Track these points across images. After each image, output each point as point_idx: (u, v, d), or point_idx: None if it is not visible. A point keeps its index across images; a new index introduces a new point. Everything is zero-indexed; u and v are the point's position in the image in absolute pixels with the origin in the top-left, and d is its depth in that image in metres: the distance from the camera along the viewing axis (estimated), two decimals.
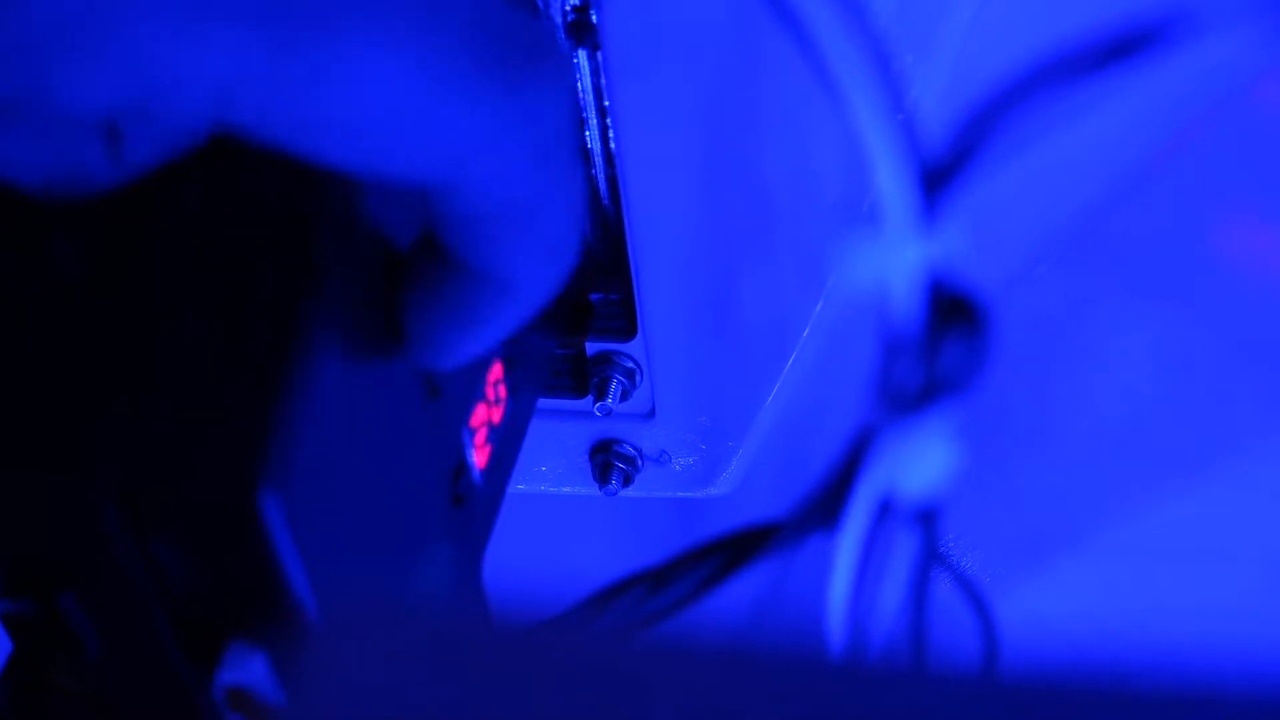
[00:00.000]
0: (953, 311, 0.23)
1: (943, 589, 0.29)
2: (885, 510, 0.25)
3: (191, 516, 0.24)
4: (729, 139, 0.40)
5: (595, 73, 0.37)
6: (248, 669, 0.25)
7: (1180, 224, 0.62)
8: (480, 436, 0.33)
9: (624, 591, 0.30)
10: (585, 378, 0.45)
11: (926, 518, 0.25)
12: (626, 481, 0.47)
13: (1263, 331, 0.61)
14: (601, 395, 0.44)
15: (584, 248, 0.41)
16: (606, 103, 0.37)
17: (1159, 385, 0.62)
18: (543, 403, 0.44)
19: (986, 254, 0.24)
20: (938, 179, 0.23)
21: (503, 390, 0.34)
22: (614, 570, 0.31)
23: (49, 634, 0.26)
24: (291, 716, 0.24)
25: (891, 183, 0.23)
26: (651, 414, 0.46)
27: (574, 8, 0.36)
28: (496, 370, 0.33)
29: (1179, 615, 0.59)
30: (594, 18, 0.36)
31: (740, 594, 0.30)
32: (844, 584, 0.25)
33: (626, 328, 0.43)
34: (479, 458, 0.33)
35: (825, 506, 0.26)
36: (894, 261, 0.23)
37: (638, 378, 0.45)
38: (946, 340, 0.23)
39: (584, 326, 0.43)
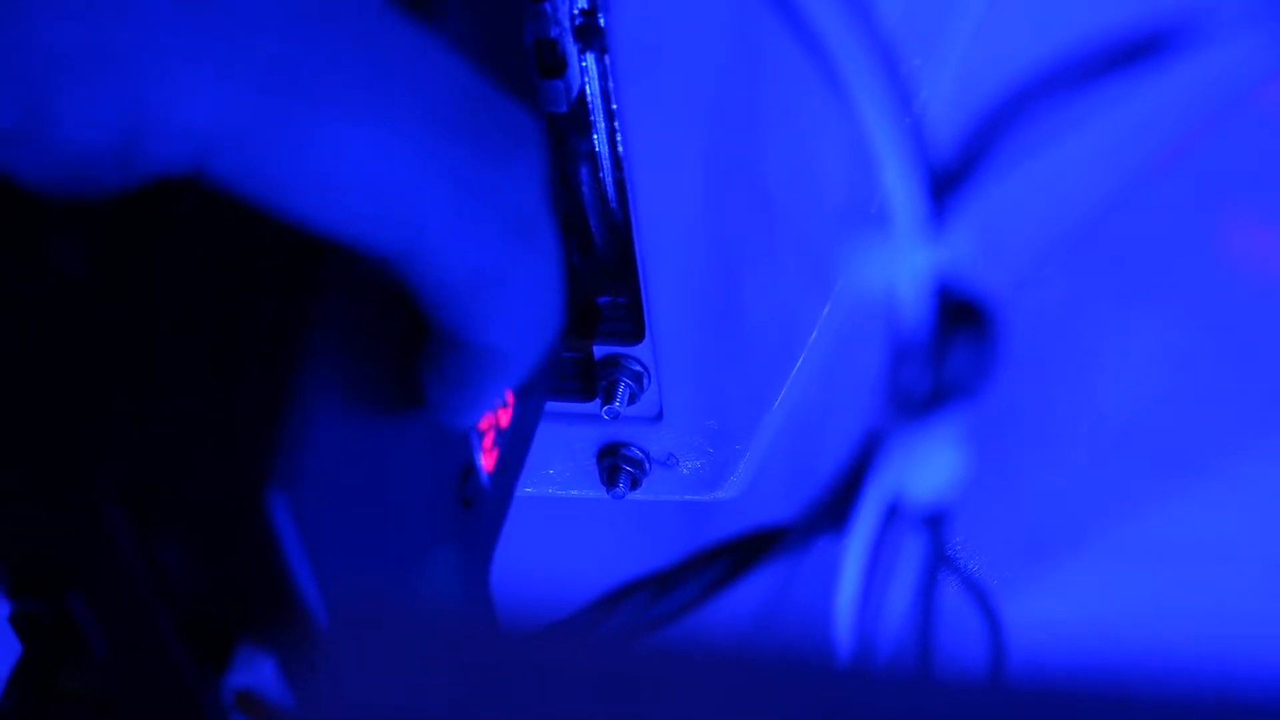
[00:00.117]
0: (961, 316, 0.23)
1: (950, 592, 0.29)
2: (893, 514, 0.25)
3: (199, 517, 0.24)
4: (737, 142, 0.40)
5: (603, 76, 0.37)
6: (256, 671, 0.25)
7: (1184, 227, 0.62)
8: (488, 439, 0.33)
9: (631, 595, 0.30)
10: (593, 381, 0.45)
11: (934, 521, 0.25)
12: (634, 485, 0.47)
13: (1267, 334, 0.61)
14: (609, 398, 0.44)
15: (590, 257, 0.41)
16: (614, 106, 0.37)
17: (1164, 387, 0.62)
18: (550, 406, 0.44)
19: (993, 258, 0.24)
20: (946, 183, 0.23)
21: (510, 394, 0.34)
22: (621, 573, 0.31)
23: (57, 635, 0.26)
24: (300, 719, 0.24)
25: (899, 187, 0.23)
26: (659, 417, 0.46)
27: (582, 11, 0.36)
28: None
29: (1185, 617, 0.59)
30: (602, 21, 0.36)
31: (748, 597, 0.30)
32: (851, 587, 0.25)
33: (634, 331, 0.43)
34: (487, 461, 0.33)
35: (833, 510, 0.26)
36: (902, 266, 0.23)
37: (645, 381, 0.45)
38: (954, 345, 0.23)
39: (592, 330, 0.43)
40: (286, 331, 0.24)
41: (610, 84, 0.37)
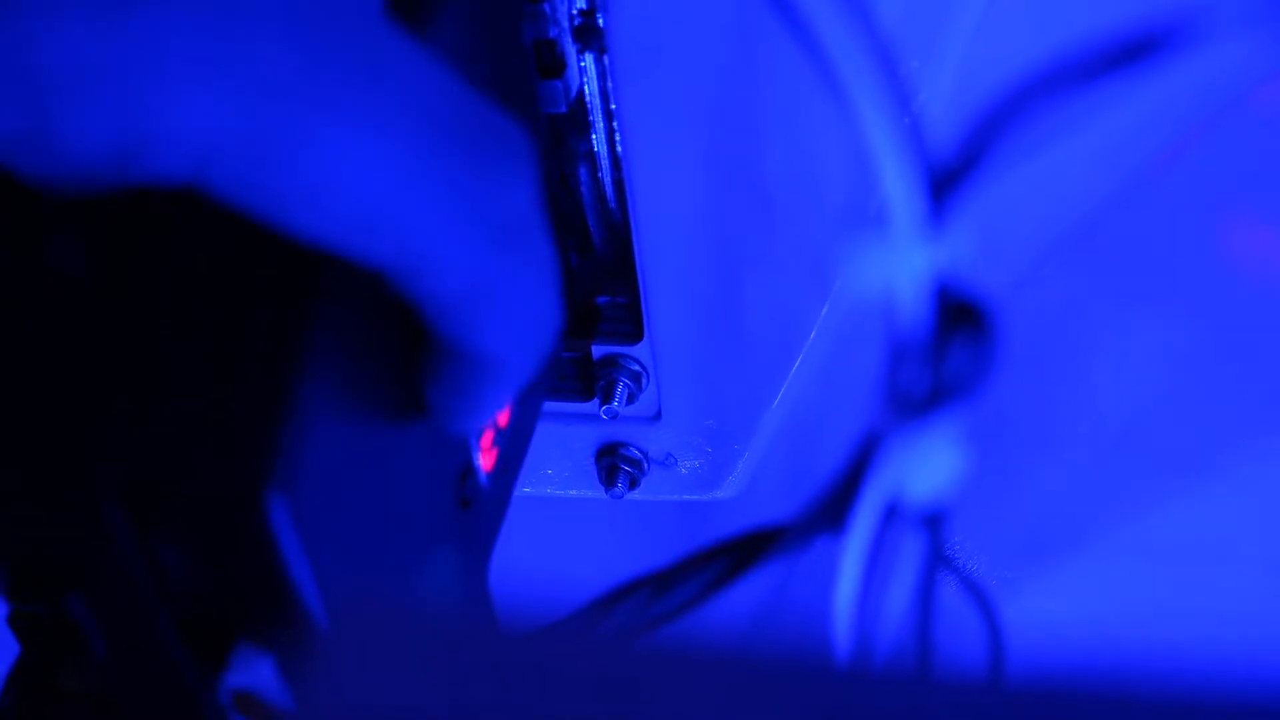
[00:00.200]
0: (959, 316, 0.23)
1: (949, 592, 0.29)
2: (892, 514, 0.25)
3: (197, 517, 0.24)
4: (735, 142, 0.40)
5: (602, 76, 0.37)
6: (255, 672, 0.25)
7: (1183, 227, 0.62)
8: (487, 439, 0.33)
9: (630, 594, 0.30)
10: (591, 381, 0.45)
11: (933, 521, 0.25)
12: (632, 484, 0.47)
13: (1267, 334, 0.61)
14: (608, 398, 0.44)
15: (589, 257, 0.41)
16: (613, 106, 0.37)
17: (1163, 387, 0.62)
18: (549, 406, 0.44)
19: (992, 258, 0.24)
20: (944, 183, 0.23)
21: None
22: (619, 573, 0.31)
23: (56, 636, 0.26)
24: (298, 719, 0.24)
25: (898, 187, 0.23)
26: (657, 417, 0.46)
27: (581, 11, 0.36)
28: None
29: (1184, 617, 0.59)
30: (601, 21, 0.36)
31: (746, 597, 0.30)
32: (850, 587, 0.25)
33: (633, 331, 0.43)
34: (486, 461, 0.33)
35: (832, 510, 0.26)
36: (901, 266, 0.23)
37: (644, 381, 0.45)
38: (953, 344, 0.23)
39: (590, 330, 0.43)
40: (286, 332, 0.24)
41: (609, 84, 0.37)
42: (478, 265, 0.25)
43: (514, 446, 0.35)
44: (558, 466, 0.48)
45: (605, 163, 0.39)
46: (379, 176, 0.24)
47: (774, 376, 0.46)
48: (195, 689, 0.26)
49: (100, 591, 0.25)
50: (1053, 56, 0.22)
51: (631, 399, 0.45)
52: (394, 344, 0.28)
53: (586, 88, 0.37)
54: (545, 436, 0.46)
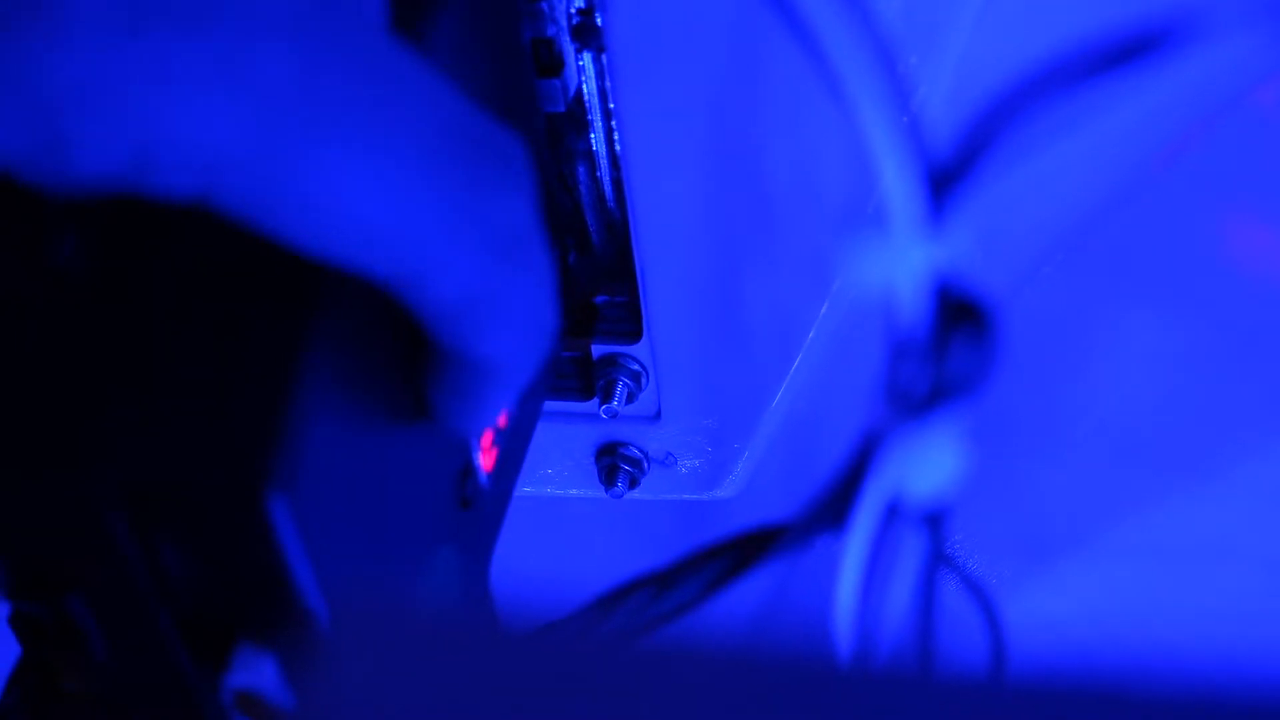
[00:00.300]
0: (960, 314, 0.23)
1: (949, 591, 0.29)
2: (893, 513, 0.25)
3: (198, 517, 0.24)
4: (734, 141, 0.40)
5: (600, 75, 0.37)
6: (256, 672, 0.25)
7: (1184, 226, 0.62)
8: (487, 439, 0.33)
9: (630, 594, 0.30)
10: (591, 380, 0.45)
11: (934, 520, 0.25)
12: (632, 484, 0.47)
13: (1268, 334, 0.61)
14: (607, 398, 0.44)
15: (587, 256, 0.41)
16: (611, 105, 0.37)
17: (1164, 386, 0.62)
18: (548, 405, 0.44)
19: (992, 256, 0.24)
20: (944, 181, 0.23)
21: None
22: (619, 573, 0.31)
23: (57, 636, 0.26)
24: (300, 719, 0.24)
25: (898, 185, 0.23)
26: (657, 416, 0.46)
27: (579, 10, 0.36)
28: None
29: (1185, 616, 0.59)
30: (599, 20, 0.36)
31: (747, 597, 0.30)
32: (851, 586, 0.25)
33: (632, 330, 0.43)
34: (486, 460, 0.33)
35: (832, 509, 0.26)
36: (900, 264, 0.23)
37: (644, 380, 0.45)
38: (953, 343, 0.23)
39: (590, 329, 0.43)
40: (287, 332, 0.25)
41: (607, 83, 0.37)
42: (476, 275, 0.26)
43: (514, 446, 0.35)
44: (558, 466, 0.48)
45: (604, 161, 0.39)
46: (378, 192, 0.24)
47: (774, 375, 0.46)
48: (196, 689, 0.26)
49: (101, 592, 0.25)
50: (1052, 54, 0.22)
51: (631, 398, 0.45)
52: (395, 344, 0.28)
53: (585, 86, 0.37)
54: (545, 436, 0.46)
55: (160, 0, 0.22)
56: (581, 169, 0.39)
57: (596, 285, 0.43)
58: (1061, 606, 0.60)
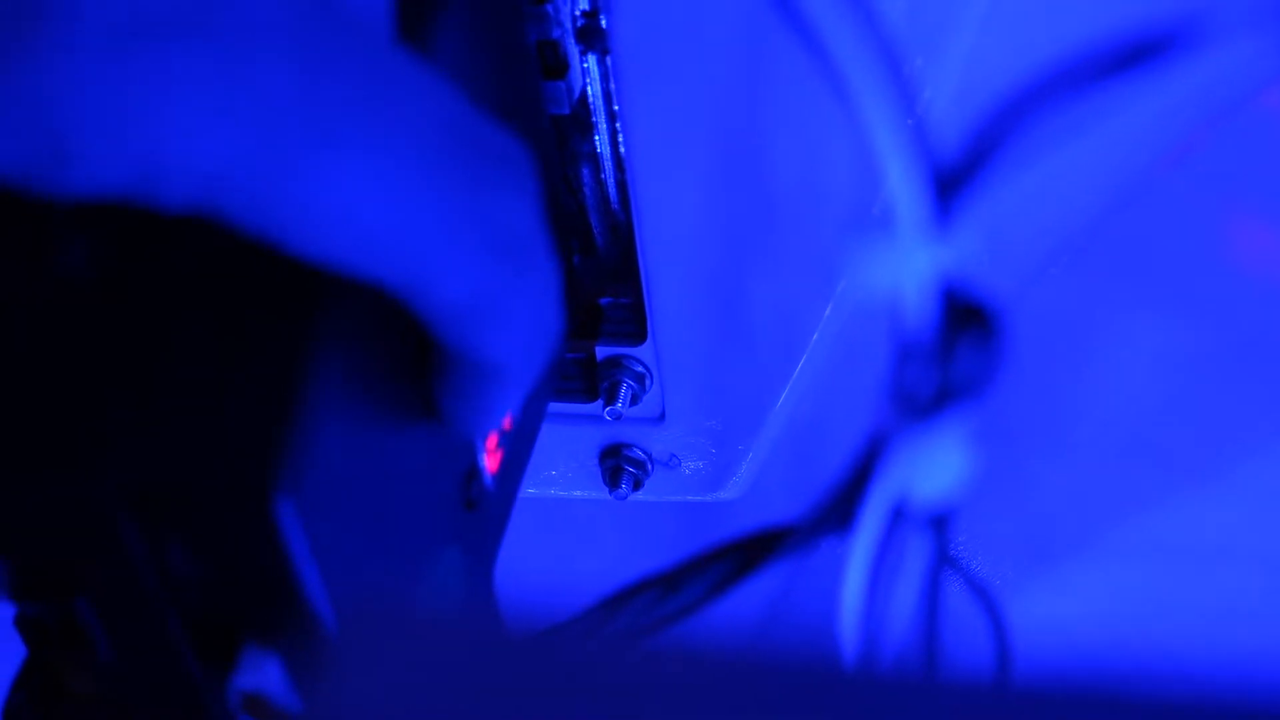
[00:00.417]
0: (966, 317, 0.23)
1: (955, 593, 0.29)
2: (898, 515, 0.25)
3: (205, 520, 0.24)
4: (739, 143, 0.40)
5: (605, 77, 0.37)
6: (262, 673, 0.25)
7: (1190, 229, 0.61)
8: (492, 441, 0.33)
9: (635, 595, 0.30)
10: (595, 382, 0.45)
11: (939, 522, 0.25)
12: (636, 485, 0.47)
13: (1272, 336, 0.61)
14: (611, 399, 0.44)
15: (592, 258, 0.41)
16: (616, 107, 0.37)
17: (1170, 388, 0.62)
18: (553, 407, 0.44)
19: (998, 259, 0.24)
20: (950, 184, 0.23)
21: None
22: (624, 575, 0.31)
23: (64, 637, 0.26)
24: None
25: (904, 187, 0.23)
26: (661, 418, 0.46)
27: (584, 13, 0.36)
28: None
29: (1190, 618, 0.59)
30: (604, 22, 0.36)
31: (752, 599, 0.30)
32: (856, 588, 0.25)
33: (636, 332, 0.43)
34: (490, 462, 0.33)
35: (838, 511, 0.26)
36: (906, 266, 0.23)
37: (648, 382, 0.45)
38: (960, 345, 0.23)
39: (594, 331, 0.43)
40: (293, 335, 0.25)
41: (612, 85, 0.37)
42: (479, 279, 0.26)
43: (519, 448, 0.35)
44: (562, 468, 0.48)
45: (608, 164, 0.39)
46: (380, 199, 0.24)
47: (778, 377, 0.46)
48: (202, 690, 0.26)
49: (108, 593, 0.25)
50: (1059, 58, 0.22)
51: (635, 400, 0.45)
52: (401, 345, 0.28)
53: (589, 89, 0.37)
54: (549, 438, 0.46)
55: (161, 13, 0.22)
56: (586, 171, 0.39)
57: (601, 287, 0.43)
58: (1067, 608, 0.60)
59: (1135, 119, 0.54)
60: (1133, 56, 0.22)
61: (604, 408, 0.45)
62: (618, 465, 0.47)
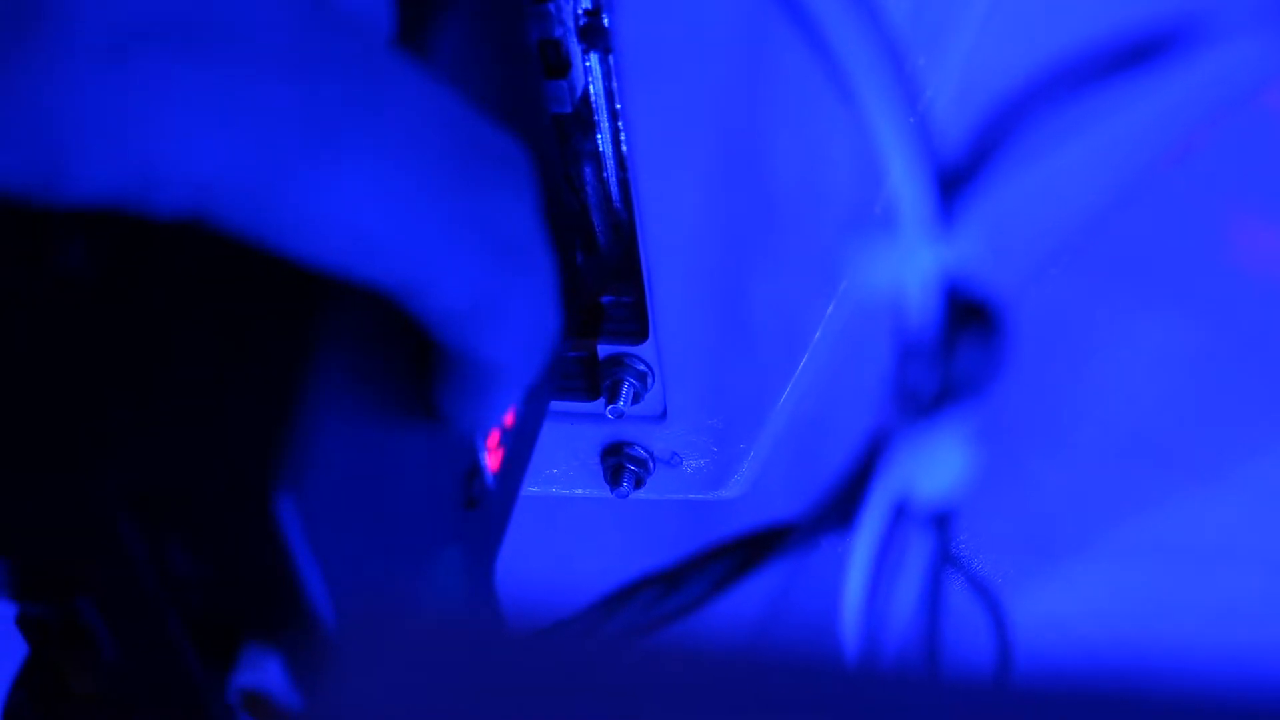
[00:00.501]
0: (968, 315, 0.23)
1: (956, 591, 0.29)
2: (900, 513, 0.25)
3: (206, 519, 0.24)
4: (741, 141, 0.40)
5: (607, 76, 0.37)
6: (262, 671, 0.25)
7: (1192, 228, 0.61)
8: (493, 439, 0.33)
9: (636, 593, 0.30)
10: (597, 380, 0.45)
11: (941, 520, 0.25)
12: (638, 484, 0.47)
13: (1274, 335, 0.61)
14: (613, 398, 0.44)
15: (594, 256, 0.41)
16: (618, 106, 0.37)
17: (1171, 386, 0.62)
18: (554, 405, 0.44)
19: (1000, 257, 0.24)
20: (953, 182, 0.23)
21: None
22: (625, 573, 0.31)
23: (65, 637, 0.26)
24: (306, 719, 0.24)
25: (906, 186, 0.23)
26: (663, 416, 0.46)
27: (586, 11, 0.36)
28: None
29: (1192, 616, 0.59)
30: (606, 21, 0.36)
31: (753, 597, 0.30)
32: (858, 586, 0.25)
33: (638, 330, 0.43)
34: (492, 461, 0.33)
35: (839, 508, 0.26)
36: (909, 265, 0.23)
37: (649, 380, 0.45)
38: (962, 344, 0.23)
39: (596, 329, 0.43)
40: (293, 334, 0.25)
41: (614, 84, 0.37)
42: (477, 282, 0.26)
43: (520, 446, 0.35)
44: (563, 466, 0.48)
45: (610, 162, 0.39)
46: (376, 207, 0.24)
47: (780, 375, 0.46)
48: (203, 689, 0.26)
49: (110, 592, 0.25)
50: (1060, 56, 0.22)
51: (637, 398, 0.45)
52: (401, 344, 0.28)
53: (591, 87, 0.37)
54: (551, 436, 0.46)
55: (157, 24, 0.22)
56: (588, 169, 0.39)
57: (603, 285, 0.43)
58: (1068, 606, 0.60)
59: (1136, 118, 0.54)
60: (1134, 56, 0.22)
61: (606, 406, 0.45)
62: (619, 463, 0.47)
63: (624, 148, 0.38)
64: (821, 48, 0.22)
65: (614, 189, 0.40)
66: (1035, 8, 0.47)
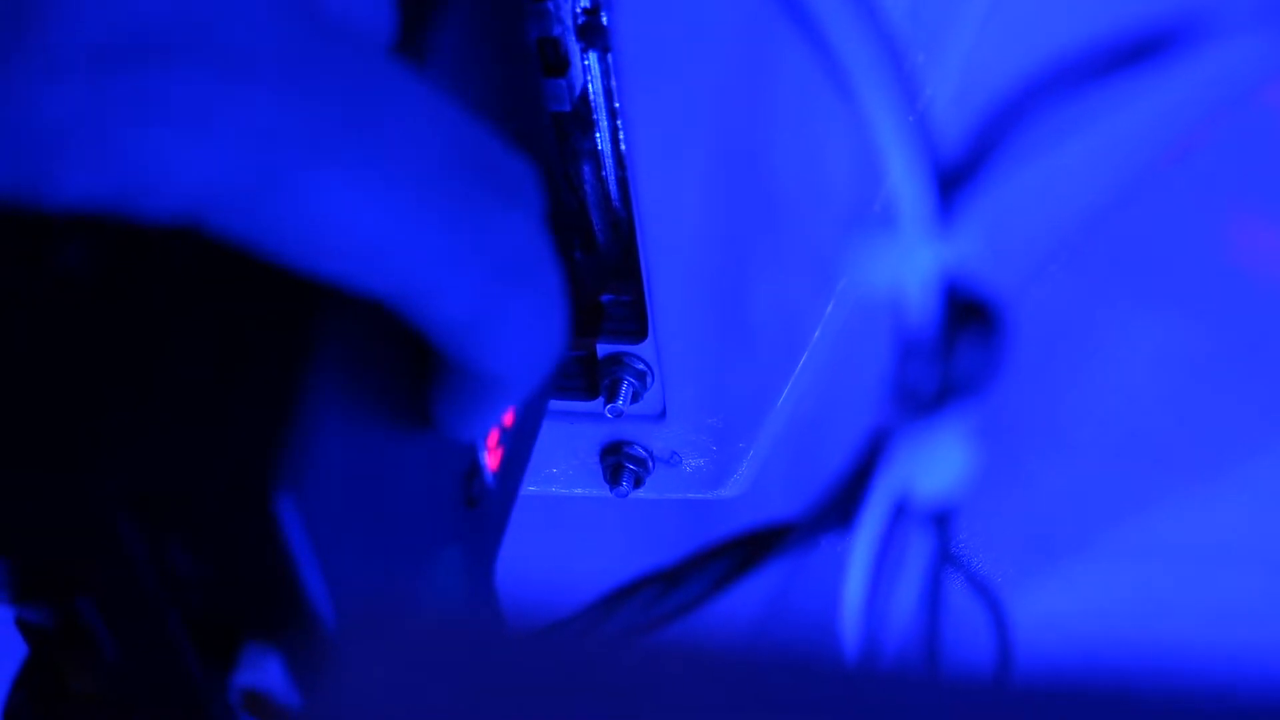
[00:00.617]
0: (968, 314, 0.23)
1: (956, 590, 0.29)
2: (900, 512, 0.25)
3: (206, 519, 0.24)
4: (740, 140, 0.40)
5: (606, 74, 0.37)
6: (262, 671, 0.25)
7: (1191, 226, 0.61)
8: (493, 438, 0.33)
9: (636, 592, 0.30)
10: (596, 379, 0.45)
11: (941, 519, 0.25)
12: (637, 483, 0.47)
13: (1274, 334, 0.61)
14: (612, 397, 0.44)
15: (593, 255, 0.41)
16: (617, 104, 0.37)
17: (1171, 386, 0.62)
18: (554, 404, 0.44)
19: (1000, 255, 0.24)
20: (952, 181, 0.23)
21: None
22: (625, 572, 0.31)
23: (66, 638, 0.26)
24: (306, 718, 0.24)
25: (906, 184, 0.23)
26: (662, 415, 0.46)
27: (585, 10, 0.36)
28: None
29: (1192, 616, 0.59)
30: (604, 19, 0.36)
31: (753, 595, 0.30)
32: (858, 585, 0.25)
33: (638, 329, 0.43)
34: (491, 460, 0.33)
35: (839, 507, 0.26)
36: (908, 263, 0.23)
37: (649, 379, 0.45)
38: (961, 342, 0.23)
39: (595, 328, 0.43)
40: (294, 334, 0.25)
41: (613, 82, 0.37)
42: (477, 295, 0.26)
43: (519, 445, 0.35)
44: (563, 465, 0.48)
45: (609, 161, 0.39)
46: (375, 217, 0.24)
47: (779, 374, 0.46)
48: (203, 689, 0.26)
49: (110, 593, 0.25)
50: (1059, 54, 0.22)
51: (636, 397, 0.45)
52: (402, 346, 0.28)
53: (590, 86, 0.37)
54: (550, 435, 0.46)
55: (145, 37, 0.22)
56: (587, 168, 0.39)
57: (602, 284, 0.43)
58: (1068, 605, 0.60)
59: (1136, 116, 0.54)
60: (1133, 54, 0.22)
61: (605, 405, 0.45)
62: (618, 462, 0.47)
63: (623, 146, 0.38)
64: (821, 46, 0.22)
65: (613, 188, 0.40)
66: (1035, 6, 0.47)
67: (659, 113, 0.37)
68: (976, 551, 0.58)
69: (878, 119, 0.22)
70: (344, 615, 0.25)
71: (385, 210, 0.24)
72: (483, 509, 0.32)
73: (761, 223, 0.42)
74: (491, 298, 0.26)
